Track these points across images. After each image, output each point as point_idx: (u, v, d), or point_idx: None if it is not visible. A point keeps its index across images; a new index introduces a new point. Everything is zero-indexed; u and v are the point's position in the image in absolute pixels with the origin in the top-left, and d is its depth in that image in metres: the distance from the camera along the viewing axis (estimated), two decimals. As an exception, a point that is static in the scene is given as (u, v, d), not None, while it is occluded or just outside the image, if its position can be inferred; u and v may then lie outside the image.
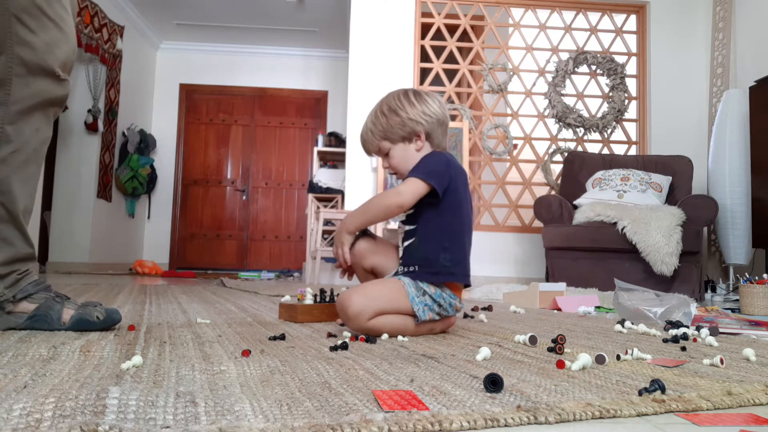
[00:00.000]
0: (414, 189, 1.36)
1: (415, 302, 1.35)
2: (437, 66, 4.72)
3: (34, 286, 1.27)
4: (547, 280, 3.77)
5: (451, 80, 4.76)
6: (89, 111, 5.67)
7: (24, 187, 1.26)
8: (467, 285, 1.47)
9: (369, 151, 1.51)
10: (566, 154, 4.46)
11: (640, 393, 0.76)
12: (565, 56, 4.84)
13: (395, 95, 1.46)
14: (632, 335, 1.48)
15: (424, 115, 1.42)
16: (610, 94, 4.82)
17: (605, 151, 4.77)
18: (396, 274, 1.45)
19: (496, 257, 4.55)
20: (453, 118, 4.72)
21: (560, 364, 0.94)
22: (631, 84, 4.89)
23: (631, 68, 4.91)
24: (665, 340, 1.35)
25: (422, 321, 1.37)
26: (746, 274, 3.42)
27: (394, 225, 4.22)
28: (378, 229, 4.13)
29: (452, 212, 1.40)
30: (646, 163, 4.16)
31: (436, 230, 1.39)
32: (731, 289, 3.97)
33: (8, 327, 1.24)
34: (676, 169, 4.06)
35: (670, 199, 3.89)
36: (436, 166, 1.39)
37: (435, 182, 1.36)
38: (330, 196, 5.71)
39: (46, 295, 1.27)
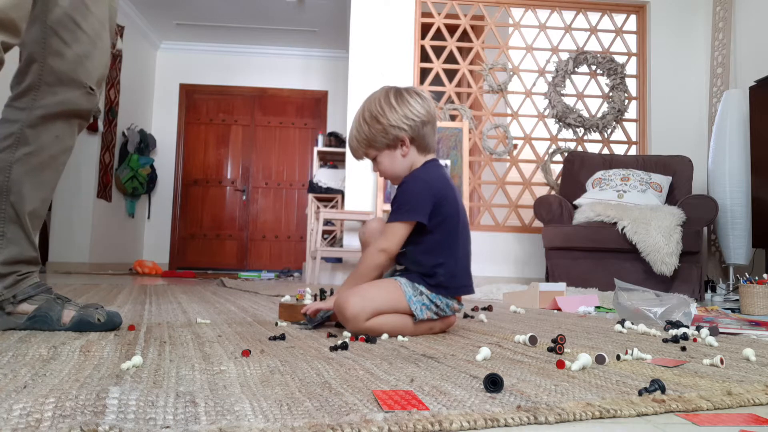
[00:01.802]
0: (397, 235, 1.35)
1: (412, 301, 1.35)
2: (437, 66, 4.72)
3: (35, 288, 1.27)
4: (547, 280, 3.77)
5: (451, 80, 4.76)
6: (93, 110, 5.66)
7: (35, 191, 1.27)
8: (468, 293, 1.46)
9: (357, 157, 1.49)
10: (566, 154, 4.46)
11: (640, 393, 0.76)
12: (565, 56, 4.84)
13: (376, 99, 1.40)
14: (632, 335, 1.48)
15: (407, 120, 1.37)
16: (610, 94, 4.82)
17: (605, 151, 4.77)
18: (393, 274, 1.45)
19: (496, 257, 4.55)
20: (453, 118, 4.73)
21: (560, 364, 0.94)
22: (631, 84, 4.89)
23: (631, 68, 4.91)
24: (665, 340, 1.35)
25: (420, 320, 1.37)
26: (746, 274, 3.42)
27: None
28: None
29: (445, 227, 1.38)
30: (646, 163, 4.16)
31: (429, 246, 1.37)
32: (731, 289, 3.97)
33: (8, 327, 1.24)
34: (676, 169, 4.06)
35: (670, 199, 3.89)
36: (415, 197, 1.36)
37: (420, 216, 1.34)
38: (330, 196, 5.71)
39: (46, 296, 1.27)
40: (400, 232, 1.36)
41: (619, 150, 4.83)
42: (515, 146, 4.76)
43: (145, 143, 6.78)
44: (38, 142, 1.26)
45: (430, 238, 1.37)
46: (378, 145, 1.41)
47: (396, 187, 1.46)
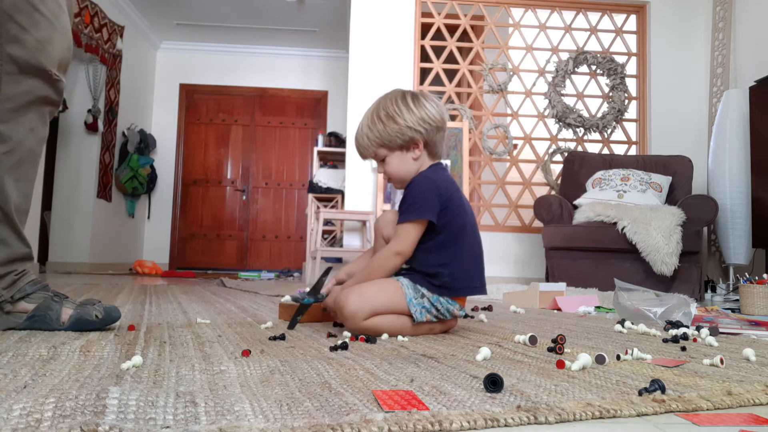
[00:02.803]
0: (410, 236, 1.35)
1: (412, 303, 1.35)
2: (437, 66, 4.72)
3: (32, 285, 1.26)
4: (547, 280, 3.77)
5: (451, 80, 4.76)
6: (89, 111, 5.67)
7: (17, 187, 1.25)
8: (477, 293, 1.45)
9: (364, 156, 1.47)
10: (566, 154, 4.46)
11: (640, 393, 0.76)
12: (565, 56, 4.84)
13: (393, 99, 1.40)
14: (632, 335, 1.48)
15: (423, 123, 1.38)
16: (610, 94, 4.82)
17: (605, 151, 4.77)
18: (397, 273, 1.45)
19: (496, 257, 4.55)
20: (453, 118, 4.72)
21: (560, 364, 0.94)
22: (631, 84, 4.89)
23: (631, 68, 4.91)
24: (665, 340, 1.35)
25: (419, 322, 1.36)
26: (746, 274, 3.42)
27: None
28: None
29: (450, 228, 1.38)
30: (646, 163, 4.16)
31: (434, 247, 1.37)
32: (731, 289, 3.97)
33: (8, 327, 1.24)
34: (676, 169, 4.06)
35: (670, 199, 3.89)
36: (423, 195, 1.36)
37: (429, 215, 1.34)
38: (330, 196, 5.71)
39: (44, 294, 1.27)
40: (413, 232, 1.35)
41: (619, 150, 4.83)
42: (515, 146, 4.76)
43: (145, 143, 6.78)
44: (14, 139, 1.22)
45: (436, 239, 1.37)
46: (391, 146, 1.40)
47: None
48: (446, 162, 4.41)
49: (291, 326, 1.45)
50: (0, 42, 1.18)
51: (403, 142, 1.39)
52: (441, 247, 1.37)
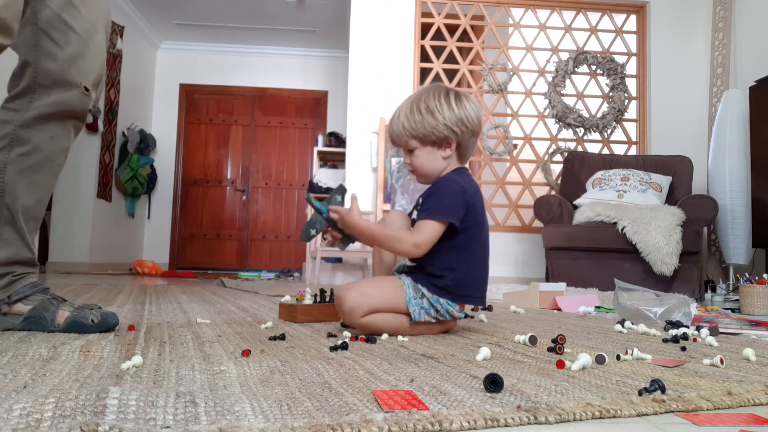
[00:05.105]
0: (432, 232, 1.33)
1: (411, 303, 1.35)
2: (437, 66, 4.72)
3: (31, 288, 1.26)
4: (547, 280, 3.77)
5: (451, 80, 4.76)
6: (89, 111, 5.66)
7: (30, 191, 1.26)
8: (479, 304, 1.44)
9: (396, 144, 1.45)
10: (566, 154, 4.46)
11: (640, 393, 0.76)
12: (565, 56, 4.84)
13: (435, 93, 1.38)
14: (632, 335, 1.48)
15: (461, 124, 1.36)
16: (610, 94, 4.82)
17: (605, 151, 4.77)
18: (401, 270, 1.45)
19: (496, 257, 4.54)
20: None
21: (560, 364, 0.94)
22: (631, 84, 4.89)
23: (631, 68, 4.91)
24: (665, 340, 1.35)
25: (416, 321, 1.36)
26: (746, 274, 3.41)
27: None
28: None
29: (467, 234, 1.37)
30: (646, 163, 4.16)
31: (445, 249, 1.36)
32: (731, 289, 3.97)
33: (4, 328, 1.24)
34: (676, 169, 4.06)
35: (670, 199, 3.89)
36: (451, 199, 1.34)
37: (453, 218, 1.33)
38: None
39: (42, 297, 1.26)
40: (435, 230, 1.33)
41: (619, 150, 4.83)
42: (515, 146, 4.76)
43: (145, 143, 6.78)
44: (33, 143, 1.25)
45: (449, 242, 1.36)
46: (424, 140, 1.38)
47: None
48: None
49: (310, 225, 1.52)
50: (38, 57, 1.25)
51: (437, 139, 1.37)
52: (452, 250, 1.36)
